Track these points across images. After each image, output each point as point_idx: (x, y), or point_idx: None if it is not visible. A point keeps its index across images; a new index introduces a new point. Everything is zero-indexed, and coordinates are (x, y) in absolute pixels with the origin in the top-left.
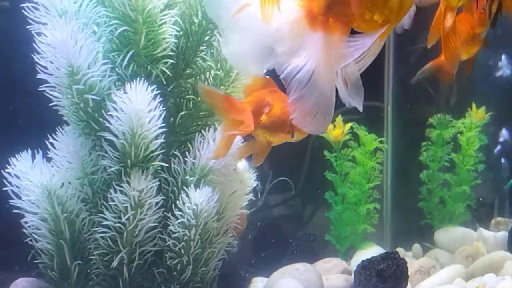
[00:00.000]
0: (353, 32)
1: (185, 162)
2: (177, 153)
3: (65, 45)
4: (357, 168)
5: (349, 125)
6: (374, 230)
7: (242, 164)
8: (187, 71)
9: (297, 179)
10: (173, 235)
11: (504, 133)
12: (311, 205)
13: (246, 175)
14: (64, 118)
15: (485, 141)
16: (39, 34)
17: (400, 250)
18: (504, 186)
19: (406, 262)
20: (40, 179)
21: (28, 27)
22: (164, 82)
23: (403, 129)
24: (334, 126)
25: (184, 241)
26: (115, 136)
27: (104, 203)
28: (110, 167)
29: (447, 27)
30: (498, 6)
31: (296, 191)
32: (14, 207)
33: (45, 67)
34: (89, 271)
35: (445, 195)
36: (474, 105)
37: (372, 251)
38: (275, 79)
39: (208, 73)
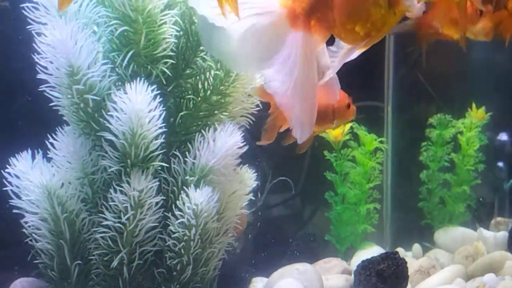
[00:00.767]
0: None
1: (185, 162)
2: (177, 153)
3: (65, 45)
4: (357, 168)
5: (349, 125)
6: (374, 230)
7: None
8: (187, 71)
9: (297, 179)
10: (173, 235)
11: (501, 135)
12: (311, 205)
13: (246, 175)
14: (64, 118)
15: (485, 141)
16: (39, 34)
17: (400, 250)
18: (504, 186)
19: (406, 262)
20: (40, 179)
21: (28, 27)
22: (164, 82)
23: (403, 129)
24: None
25: (184, 241)
26: (115, 136)
27: (104, 203)
28: (110, 167)
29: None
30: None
31: (296, 191)
32: (14, 207)
33: (45, 67)
34: (89, 271)
35: (445, 195)
36: (474, 105)
37: (372, 251)
38: None
39: (208, 73)
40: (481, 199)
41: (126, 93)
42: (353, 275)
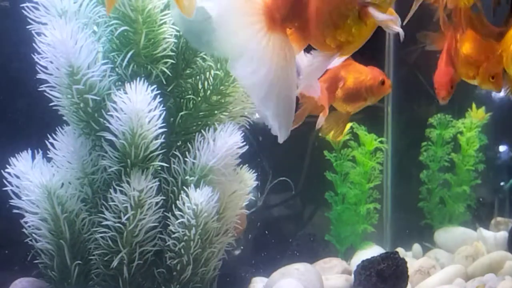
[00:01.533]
0: None
1: (185, 162)
2: (177, 153)
3: (65, 45)
4: (357, 168)
5: (349, 125)
6: (374, 230)
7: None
8: (187, 71)
9: (297, 179)
10: (173, 235)
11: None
12: (311, 205)
13: (246, 175)
14: (64, 118)
15: (485, 141)
16: (39, 34)
17: (400, 250)
18: (504, 186)
19: (406, 262)
20: (40, 179)
21: (28, 27)
22: (164, 82)
23: (403, 129)
24: None
25: (184, 241)
26: (115, 136)
27: (104, 203)
28: (110, 167)
29: None
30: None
31: (296, 191)
32: (14, 207)
33: (45, 67)
34: (89, 271)
35: (445, 195)
36: (474, 105)
37: (372, 251)
38: None
39: (208, 73)
40: (481, 199)
41: (126, 93)
42: (353, 275)
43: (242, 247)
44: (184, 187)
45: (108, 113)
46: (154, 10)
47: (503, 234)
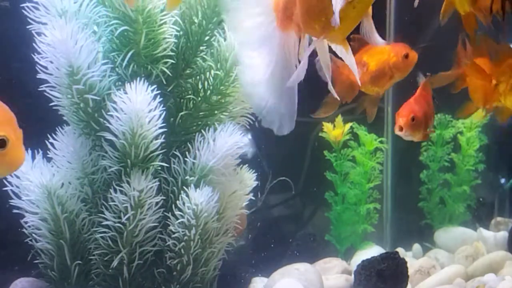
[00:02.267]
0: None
1: (185, 162)
2: (177, 153)
3: (65, 45)
4: (357, 168)
5: (349, 125)
6: (374, 230)
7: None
8: (187, 71)
9: (297, 179)
10: (173, 235)
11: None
12: (311, 205)
13: (246, 175)
14: (64, 118)
15: (485, 141)
16: (39, 34)
17: (400, 250)
18: (504, 186)
19: (406, 262)
20: (40, 179)
21: (28, 27)
22: (164, 82)
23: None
24: (334, 126)
25: (184, 241)
26: (115, 136)
27: (104, 203)
28: (110, 167)
29: None
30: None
31: (296, 191)
32: (14, 207)
33: (45, 67)
34: (89, 271)
35: (445, 195)
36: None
37: (372, 251)
38: None
39: (208, 73)
40: (481, 199)
41: (126, 93)
42: (353, 275)
43: (242, 247)
44: (184, 187)
45: (108, 113)
46: (154, 10)
47: (503, 234)
